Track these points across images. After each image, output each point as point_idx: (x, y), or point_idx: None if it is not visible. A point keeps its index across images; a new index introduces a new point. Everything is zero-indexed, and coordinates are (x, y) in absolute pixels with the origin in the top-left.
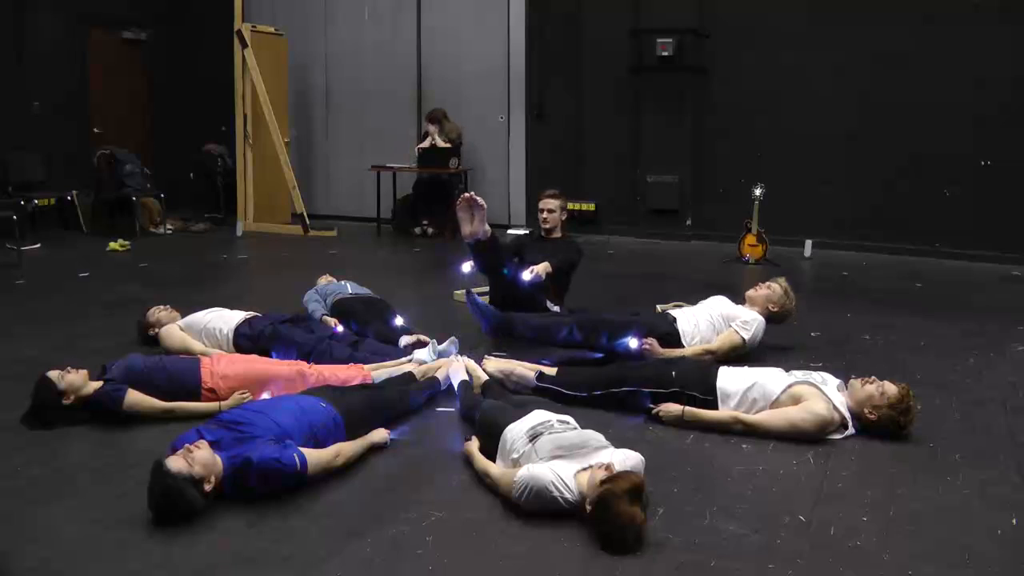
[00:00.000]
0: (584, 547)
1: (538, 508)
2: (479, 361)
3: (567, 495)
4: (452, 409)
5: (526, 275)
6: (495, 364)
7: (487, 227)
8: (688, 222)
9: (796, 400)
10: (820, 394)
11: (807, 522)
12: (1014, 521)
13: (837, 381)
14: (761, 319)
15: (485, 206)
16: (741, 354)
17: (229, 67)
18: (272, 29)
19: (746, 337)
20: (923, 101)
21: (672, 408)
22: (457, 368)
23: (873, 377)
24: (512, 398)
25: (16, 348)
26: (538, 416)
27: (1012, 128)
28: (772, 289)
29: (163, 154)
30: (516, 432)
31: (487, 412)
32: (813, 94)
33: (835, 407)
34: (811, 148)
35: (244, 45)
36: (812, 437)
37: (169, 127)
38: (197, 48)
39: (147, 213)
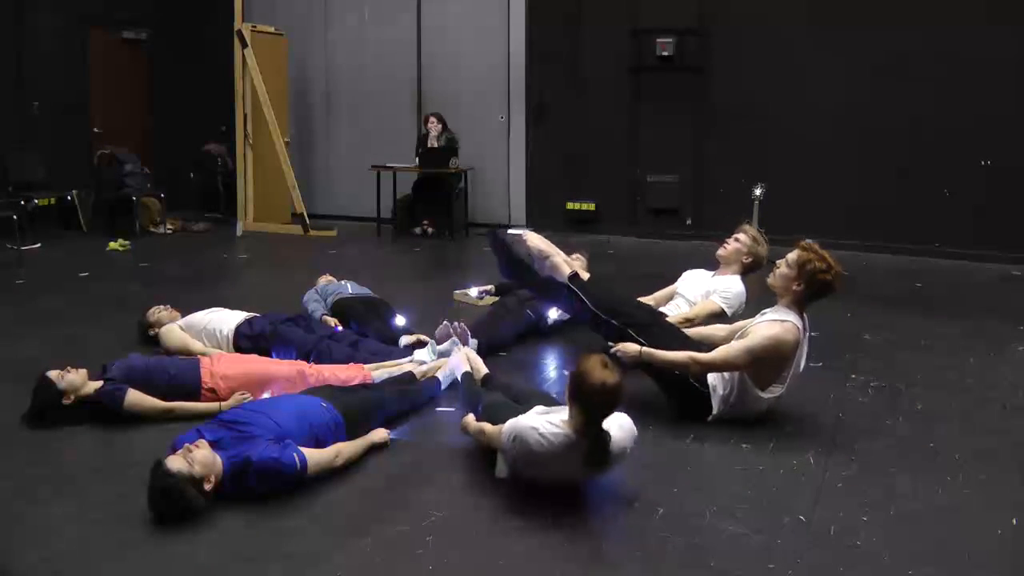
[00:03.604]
0: (584, 547)
1: (528, 455)
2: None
3: (553, 430)
4: (452, 409)
5: (552, 314)
6: (535, 241)
7: (468, 338)
8: (688, 222)
9: (748, 334)
10: (769, 321)
11: (807, 522)
12: (1014, 521)
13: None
14: (739, 288)
15: (468, 331)
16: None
17: (229, 67)
18: (272, 29)
19: (725, 308)
20: (923, 101)
21: (630, 347)
22: (459, 360)
23: (776, 262)
24: (513, 391)
25: (16, 348)
26: (537, 412)
27: (1012, 128)
28: (740, 241)
29: (163, 154)
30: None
31: (489, 408)
32: (813, 93)
33: (784, 320)
34: (811, 148)
35: (244, 45)
36: (777, 358)
37: (169, 127)
38: (197, 48)
39: (147, 213)
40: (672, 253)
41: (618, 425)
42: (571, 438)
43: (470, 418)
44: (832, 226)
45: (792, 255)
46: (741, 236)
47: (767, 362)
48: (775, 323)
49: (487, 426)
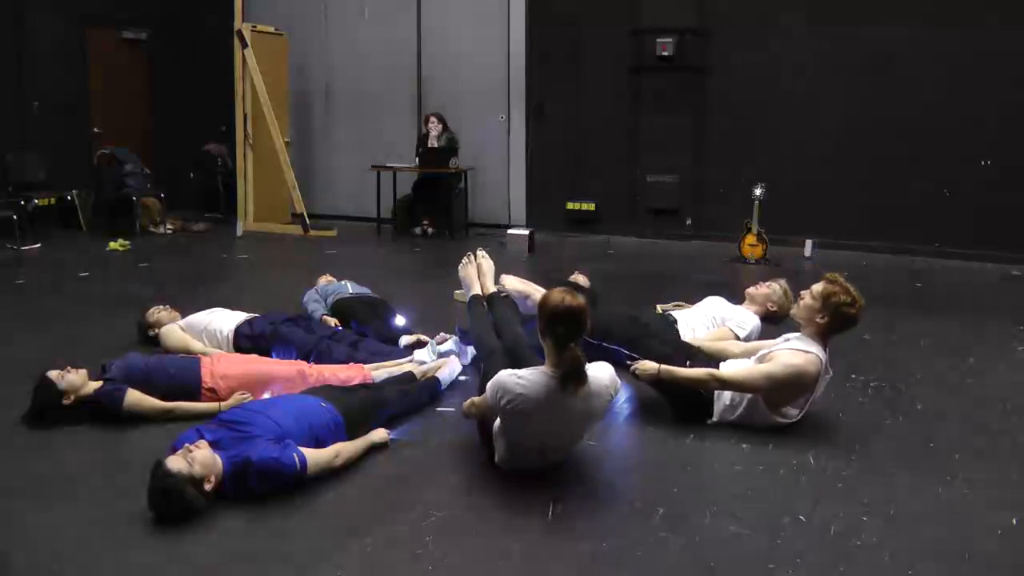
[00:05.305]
0: (584, 547)
1: (511, 403)
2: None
3: (530, 371)
4: (452, 409)
5: None
6: (513, 283)
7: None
8: (688, 222)
9: (771, 359)
10: (793, 350)
11: (807, 522)
12: (1014, 521)
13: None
14: (756, 322)
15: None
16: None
17: (229, 67)
18: (272, 29)
19: (741, 336)
20: (923, 101)
21: (648, 365)
22: (453, 362)
23: (800, 293)
24: (514, 350)
25: (16, 348)
26: None
27: (1012, 128)
28: (772, 288)
29: (163, 154)
30: None
31: (485, 376)
32: (813, 94)
33: (808, 351)
34: (811, 148)
35: (244, 45)
36: (796, 386)
37: (169, 127)
38: (197, 48)
39: (147, 213)
40: (672, 253)
41: (595, 365)
42: (547, 373)
43: (467, 403)
44: (832, 226)
45: (817, 287)
46: (775, 285)
47: (785, 389)
48: (799, 353)
49: (476, 399)
